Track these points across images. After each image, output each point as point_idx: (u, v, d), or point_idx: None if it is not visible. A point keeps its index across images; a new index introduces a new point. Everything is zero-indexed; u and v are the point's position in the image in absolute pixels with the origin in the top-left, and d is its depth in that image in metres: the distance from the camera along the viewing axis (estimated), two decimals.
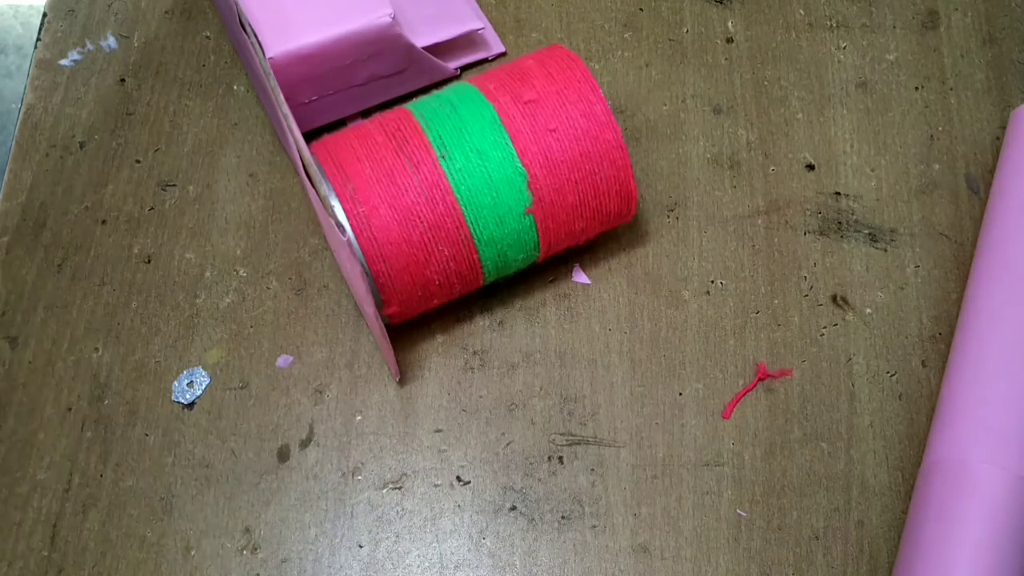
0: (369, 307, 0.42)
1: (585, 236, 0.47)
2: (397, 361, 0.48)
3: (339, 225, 0.41)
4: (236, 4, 0.47)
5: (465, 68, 0.55)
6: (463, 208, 0.43)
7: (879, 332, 0.49)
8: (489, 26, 0.56)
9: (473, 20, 0.54)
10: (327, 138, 0.45)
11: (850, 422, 0.47)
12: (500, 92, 0.45)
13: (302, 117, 0.52)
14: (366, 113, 0.54)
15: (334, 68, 0.50)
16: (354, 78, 0.51)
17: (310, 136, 0.53)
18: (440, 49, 0.54)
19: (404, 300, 0.44)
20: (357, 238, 0.42)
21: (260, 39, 0.48)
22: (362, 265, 0.42)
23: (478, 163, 0.43)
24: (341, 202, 0.42)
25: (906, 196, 0.52)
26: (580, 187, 0.44)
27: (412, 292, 0.44)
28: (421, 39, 0.52)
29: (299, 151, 0.42)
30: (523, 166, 0.43)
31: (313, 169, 0.42)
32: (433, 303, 0.46)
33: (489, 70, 0.49)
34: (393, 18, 0.49)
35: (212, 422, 0.47)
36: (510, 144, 0.43)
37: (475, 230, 0.43)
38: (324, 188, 0.42)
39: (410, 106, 0.46)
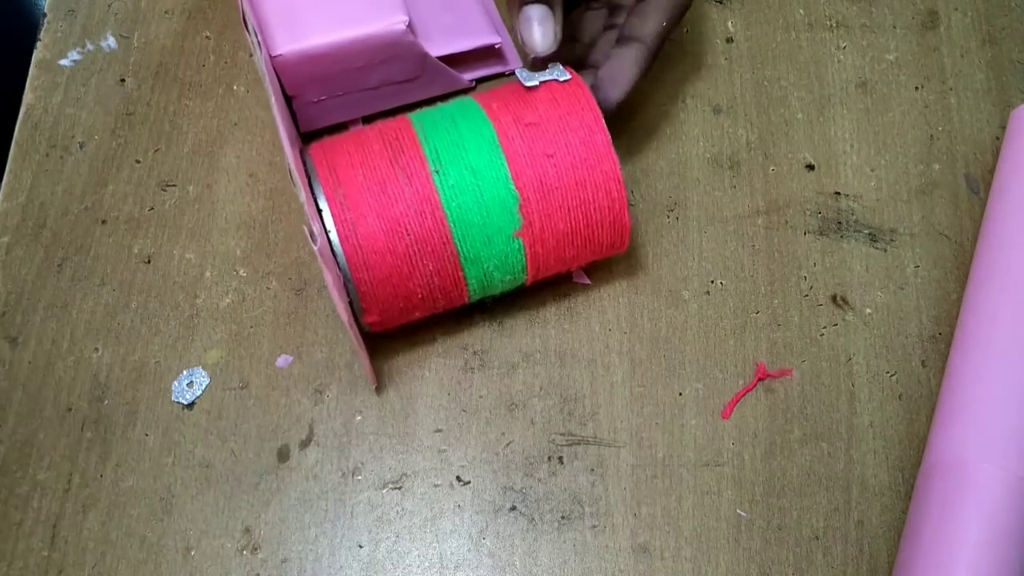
0: (346, 313, 0.42)
1: (576, 263, 0.47)
2: (378, 367, 0.48)
3: (311, 233, 0.41)
4: (240, 3, 0.47)
5: (481, 81, 0.55)
6: (451, 225, 0.43)
7: (879, 332, 0.49)
8: (508, 40, 0.55)
9: (490, 34, 0.54)
10: (326, 141, 0.45)
11: (850, 422, 0.47)
12: (502, 112, 0.44)
13: (311, 116, 0.52)
14: (374, 118, 0.54)
15: (345, 70, 0.50)
16: (366, 81, 0.51)
17: (317, 135, 0.52)
18: (456, 60, 0.53)
19: (385, 310, 0.44)
20: (342, 243, 0.42)
21: (273, 36, 0.48)
22: (340, 270, 0.42)
23: (471, 181, 0.43)
24: (330, 206, 0.42)
25: (906, 196, 0.52)
26: (572, 215, 0.44)
27: (393, 302, 0.44)
28: (436, 48, 0.52)
29: (287, 159, 0.42)
30: (516, 188, 0.43)
31: (294, 174, 0.42)
32: (415, 315, 0.46)
33: (499, 86, 0.48)
34: (407, 25, 0.49)
35: (212, 422, 0.47)
36: (505, 165, 0.43)
37: (461, 247, 0.43)
38: (301, 196, 0.42)
39: (412, 116, 0.45)
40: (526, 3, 0.45)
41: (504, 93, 0.46)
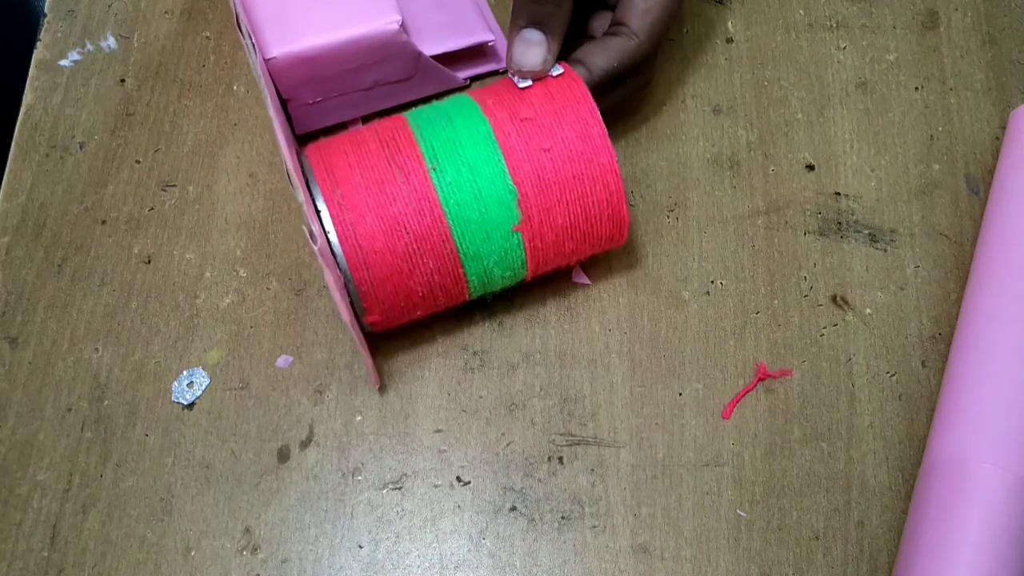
0: (347, 314, 0.42)
1: (576, 257, 0.47)
2: (379, 367, 0.48)
3: (311, 233, 0.41)
4: (234, 5, 0.47)
5: (475, 79, 0.55)
6: (450, 222, 0.43)
7: (879, 332, 0.49)
8: (502, 38, 0.55)
9: (484, 32, 0.54)
10: (322, 141, 0.45)
11: (850, 422, 0.47)
12: (498, 108, 0.44)
13: (307, 117, 0.52)
14: (369, 118, 0.54)
15: (339, 71, 0.50)
16: (360, 82, 0.51)
17: (314, 137, 0.53)
18: (450, 58, 0.53)
19: (386, 309, 0.44)
20: (341, 244, 0.42)
21: (266, 39, 0.48)
22: (340, 270, 0.42)
23: (469, 177, 0.43)
24: (328, 206, 0.42)
25: (906, 196, 0.52)
26: (571, 209, 0.44)
27: (395, 302, 0.44)
28: (430, 47, 0.52)
29: (284, 160, 0.42)
30: (514, 184, 0.43)
31: (292, 177, 0.42)
32: (417, 314, 0.46)
33: (493, 83, 0.48)
34: (400, 25, 0.49)
35: (212, 422, 0.47)
36: (502, 161, 0.43)
37: (461, 244, 0.43)
38: (299, 196, 0.42)
39: (408, 115, 0.45)
40: (525, 27, 0.45)
41: (499, 89, 0.46)
